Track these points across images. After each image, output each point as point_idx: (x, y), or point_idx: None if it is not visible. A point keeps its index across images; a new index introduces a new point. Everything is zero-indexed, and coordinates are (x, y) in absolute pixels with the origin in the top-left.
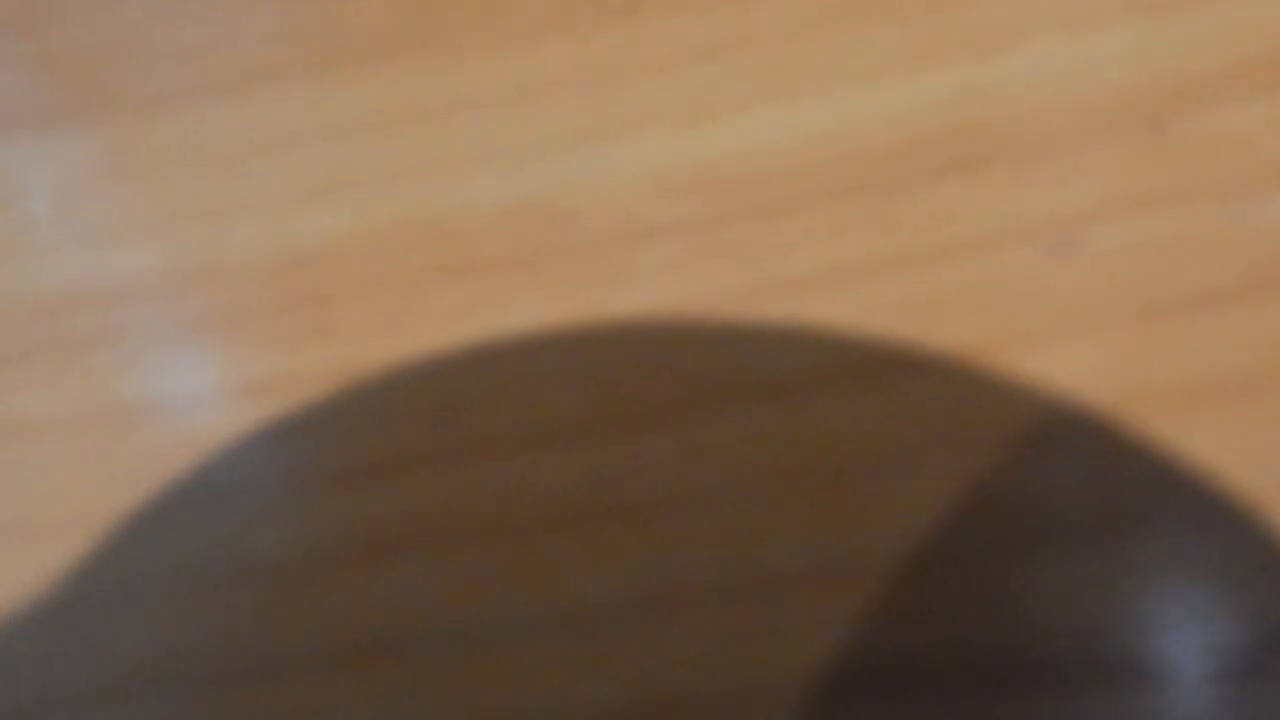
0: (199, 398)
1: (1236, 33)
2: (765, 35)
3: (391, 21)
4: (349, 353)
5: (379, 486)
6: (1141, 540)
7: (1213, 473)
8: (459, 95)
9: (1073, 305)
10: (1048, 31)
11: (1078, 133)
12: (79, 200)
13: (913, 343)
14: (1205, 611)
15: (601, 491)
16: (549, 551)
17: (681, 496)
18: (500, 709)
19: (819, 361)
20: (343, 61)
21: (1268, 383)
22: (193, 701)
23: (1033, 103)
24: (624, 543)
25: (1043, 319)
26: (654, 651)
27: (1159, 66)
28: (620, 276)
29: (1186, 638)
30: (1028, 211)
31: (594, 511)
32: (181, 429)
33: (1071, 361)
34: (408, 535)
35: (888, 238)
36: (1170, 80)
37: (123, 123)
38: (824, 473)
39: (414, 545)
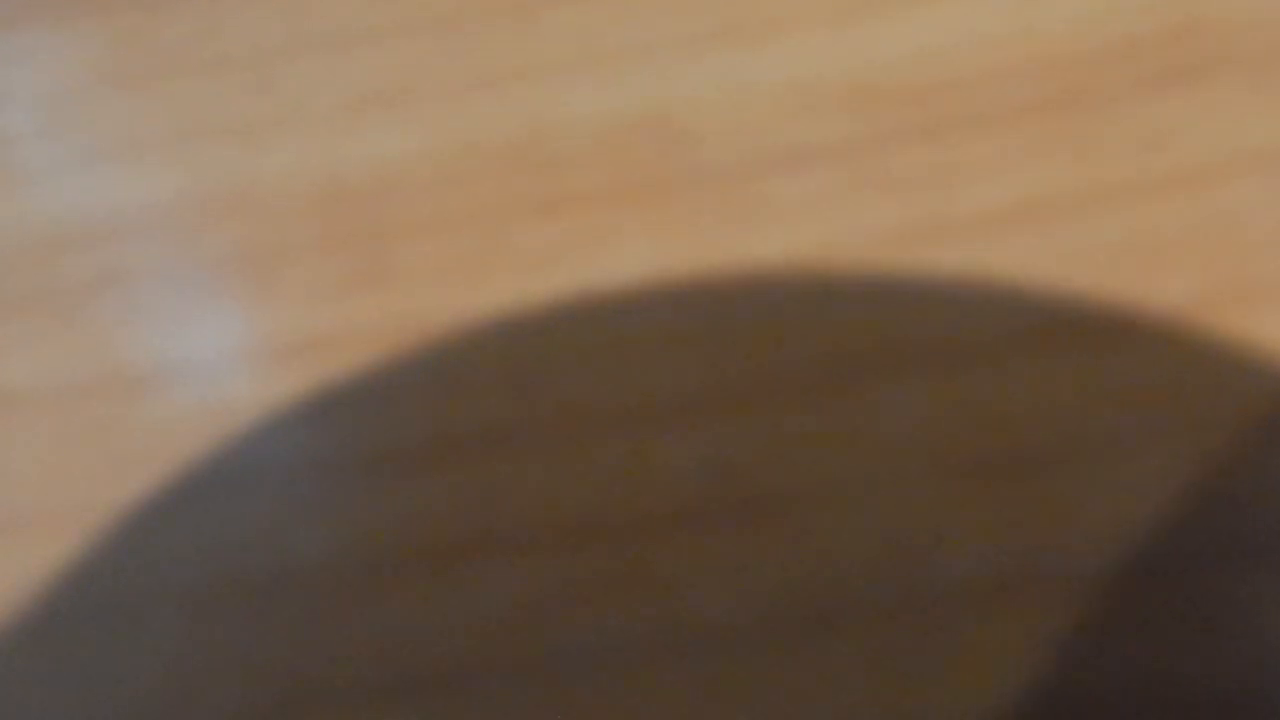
0: (223, 361)
1: None
2: None
3: None
4: (411, 305)
5: (447, 473)
6: None
7: None
8: None
9: None
10: None
11: None
12: (73, 113)
13: (1118, 299)
14: None
15: (726, 483)
16: (659, 557)
17: (826, 490)
18: None
19: (1000, 322)
20: None
21: None
22: None
23: None
24: (754, 547)
25: None
26: (791, 681)
27: None
28: (751, 214)
29: None
30: (1265, 134)
31: (716, 508)
32: (201, 400)
33: None
34: (482, 535)
35: (1087, 167)
36: None
37: (129, 14)
38: (1006, 462)
39: (490, 548)
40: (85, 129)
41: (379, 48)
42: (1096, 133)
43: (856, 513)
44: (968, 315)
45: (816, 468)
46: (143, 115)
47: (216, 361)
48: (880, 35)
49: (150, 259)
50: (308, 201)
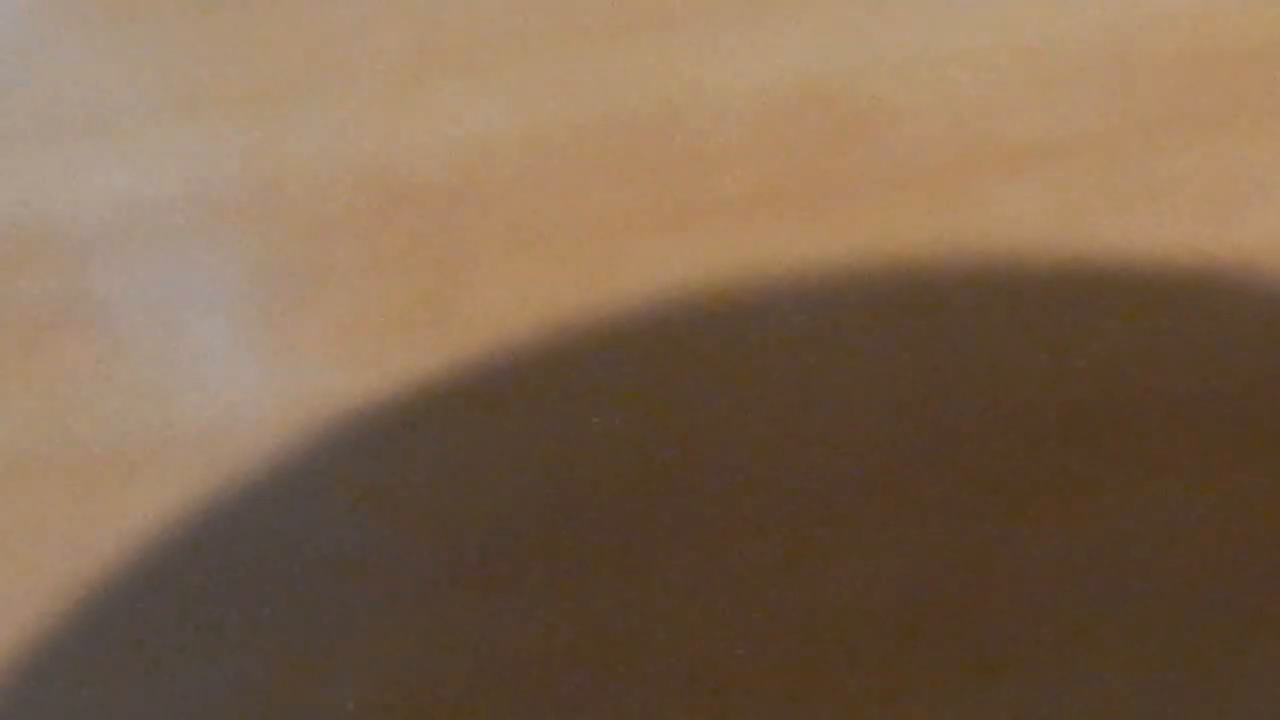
0: (236, 422)
1: None
2: None
3: None
4: (493, 345)
5: (551, 594)
6: None
7: None
8: None
9: None
10: None
11: None
12: (42, 65)
13: None
14: None
15: (928, 619)
16: None
17: (1068, 632)
18: None
19: None
20: None
21: None
22: None
23: None
24: (992, 710)
25: None
26: None
27: None
28: (964, 229)
29: None
30: None
31: (916, 656)
32: (204, 479)
33: None
34: (601, 679)
35: None
36: None
37: None
38: None
39: (615, 700)
40: (57, 89)
41: None
42: None
43: (1111, 667)
44: (1267, 375)
45: (1069, 595)
46: (129, 72)
47: (227, 423)
48: None
49: (137, 278)
50: (354, 199)
